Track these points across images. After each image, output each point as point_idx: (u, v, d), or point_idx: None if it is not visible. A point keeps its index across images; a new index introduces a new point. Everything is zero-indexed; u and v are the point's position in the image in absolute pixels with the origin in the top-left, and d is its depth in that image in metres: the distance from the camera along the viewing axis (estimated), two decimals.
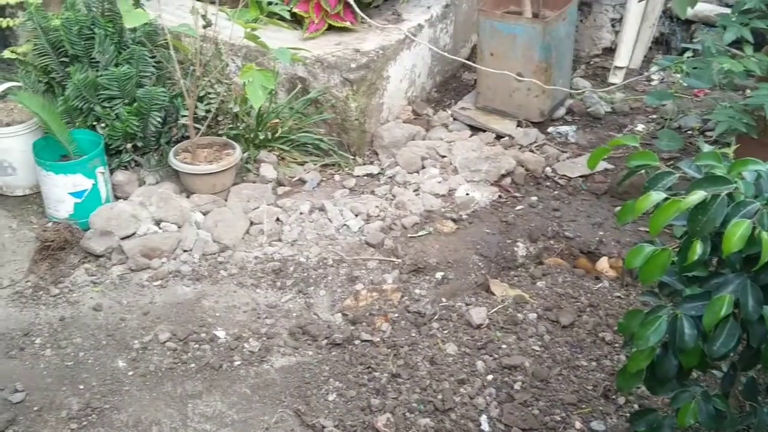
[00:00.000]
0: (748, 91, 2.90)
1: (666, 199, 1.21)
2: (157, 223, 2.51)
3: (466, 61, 3.28)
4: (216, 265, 2.40)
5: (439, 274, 2.40)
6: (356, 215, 2.63)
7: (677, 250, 1.28)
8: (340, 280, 2.37)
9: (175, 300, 2.25)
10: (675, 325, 1.28)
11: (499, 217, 2.66)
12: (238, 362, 2.04)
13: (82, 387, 1.96)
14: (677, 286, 1.35)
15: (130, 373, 2.00)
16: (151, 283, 2.32)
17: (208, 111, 2.72)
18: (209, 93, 2.75)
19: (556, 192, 2.80)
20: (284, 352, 2.08)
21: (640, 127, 3.19)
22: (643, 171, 1.38)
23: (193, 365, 2.00)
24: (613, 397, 1.88)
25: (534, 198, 2.77)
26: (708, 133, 3.02)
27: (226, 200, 2.67)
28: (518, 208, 2.72)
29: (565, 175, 2.88)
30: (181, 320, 2.16)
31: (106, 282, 2.33)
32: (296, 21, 3.05)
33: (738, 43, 2.55)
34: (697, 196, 1.17)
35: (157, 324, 2.15)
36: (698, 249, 1.19)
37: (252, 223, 2.60)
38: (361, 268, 2.42)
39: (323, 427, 1.85)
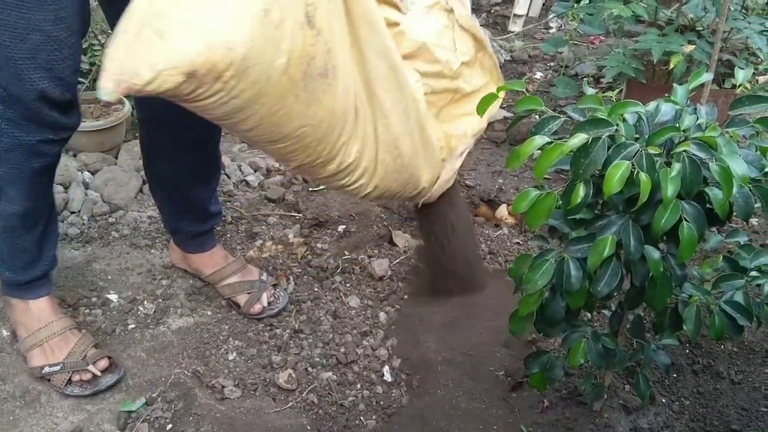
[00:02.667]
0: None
1: (550, 143, 1.21)
2: None
3: None
4: (107, 226, 2.30)
5: (341, 227, 2.38)
6: (255, 170, 2.57)
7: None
8: (239, 237, 2.32)
9: (62, 264, 2.14)
10: (561, 268, 1.30)
11: None
12: (133, 326, 1.97)
13: None
14: (564, 230, 1.37)
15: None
16: None
17: (92, 64, 2.57)
18: (93, 45, 2.60)
19: None
20: (181, 313, 2.02)
21: (538, 74, 3.22)
22: (536, 116, 1.38)
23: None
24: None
25: None
26: (603, 80, 3.08)
27: (116, 158, 2.55)
28: None
29: None
30: (70, 285, 2.06)
31: None
32: None
33: None
34: (579, 139, 1.17)
35: None
36: (581, 191, 1.20)
37: (145, 182, 2.49)
38: (262, 224, 2.37)
39: (223, 386, 1.81)
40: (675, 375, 1.89)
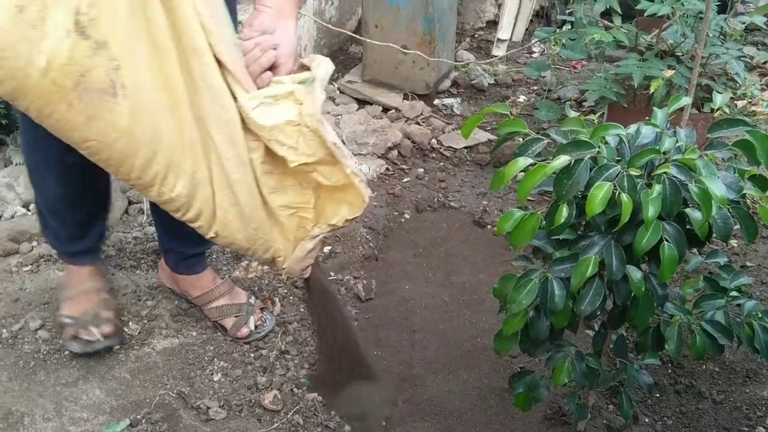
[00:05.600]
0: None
1: (533, 164, 1.23)
2: (26, 205, 2.37)
3: (352, 34, 3.25)
4: None
5: (327, 248, 2.39)
6: None
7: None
8: (225, 258, 2.32)
9: (47, 285, 2.13)
10: (546, 287, 1.32)
11: (386, 190, 2.67)
12: (117, 347, 1.96)
13: None
14: (548, 250, 1.39)
15: None
16: (21, 269, 2.19)
17: None
18: None
19: (441, 163, 2.84)
20: (166, 334, 2.01)
21: (521, 98, 3.27)
22: (519, 138, 1.40)
23: (67, 353, 1.90)
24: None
25: (420, 170, 2.79)
26: (585, 103, 3.13)
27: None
28: (405, 180, 2.73)
29: (451, 147, 2.92)
30: (54, 307, 2.04)
31: None
32: None
33: (609, 14, 2.64)
34: (562, 160, 1.20)
35: (28, 311, 2.03)
36: (564, 212, 1.23)
37: (131, 203, 2.49)
38: None
39: (208, 408, 1.80)
40: (658, 395, 1.91)
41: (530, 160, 1.23)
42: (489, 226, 2.52)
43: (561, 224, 1.23)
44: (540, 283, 1.32)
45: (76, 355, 1.89)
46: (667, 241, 1.22)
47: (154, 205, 2.01)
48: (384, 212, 2.55)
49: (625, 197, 1.19)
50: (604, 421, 1.82)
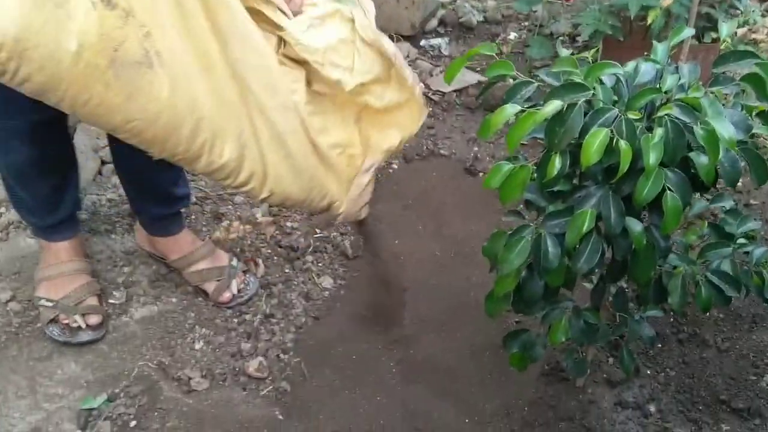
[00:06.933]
0: None
1: (522, 111, 1.11)
2: None
3: None
4: None
5: None
6: None
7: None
8: (205, 218, 2.21)
9: (18, 254, 2.02)
10: (539, 245, 1.21)
11: None
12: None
13: None
14: (541, 203, 1.28)
15: None
16: None
17: None
18: None
19: (430, 109, 2.70)
20: (144, 302, 1.92)
21: (512, 35, 3.11)
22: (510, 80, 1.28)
23: (40, 325, 1.81)
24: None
25: None
26: (579, 38, 2.98)
27: (72, 138, 2.42)
28: None
29: (439, 90, 2.79)
30: (26, 276, 1.94)
31: None
32: None
33: None
34: (553, 106, 1.08)
35: None
36: (557, 163, 1.11)
37: (104, 163, 2.37)
38: (228, 204, 2.26)
39: (189, 378, 1.72)
40: (660, 345, 1.83)
41: (519, 107, 1.11)
42: (480, 174, 2.40)
43: (554, 177, 1.12)
44: (533, 241, 1.21)
45: (58, 342, 1.78)
46: (669, 190, 1.11)
47: (118, 169, 1.91)
48: None
49: (623, 144, 1.08)
50: (604, 375, 1.75)
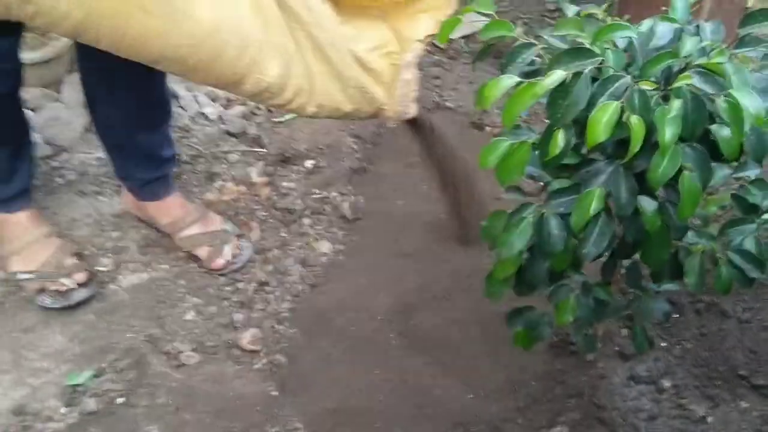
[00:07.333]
0: None
1: (520, 83, 0.98)
2: None
3: None
4: (50, 171, 2.07)
5: (309, 163, 2.17)
6: (214, 100, 2.33)
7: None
8: (197, 179, 2.11)
9: None
10: (541, 227, 1.10)
11: None
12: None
13: None
14: (545, 179, 1.16)
15: None
16: None
17: None
18: None
19: (436, 57, 2.56)
20: (134, 269, 1.84)
21: None
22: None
23: (24, 294, 1.74)
24: None
25: None
26: None
27: (58, 93, 2.31)
28: None
29: None
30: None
31: None
32: None
33: None
34: (555, 77, 0.95)
35: None
36: (560, 141, 0.99)
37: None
38: (222, 163, 2.16)
39: (180, 351, 1.65)
40: (676, 315, 1.72)
41: (516, 79, 0.98)
42: (488, 128, 2.27)
43: (557, 155, 1.00)
44: (535, 222, 1.10)
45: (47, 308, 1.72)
46: (687, 169, 0.99)
47: (100, 132, 1.81)
48: None
49: (635, 119, 0.95)
50: (616, 348, 1.66)
